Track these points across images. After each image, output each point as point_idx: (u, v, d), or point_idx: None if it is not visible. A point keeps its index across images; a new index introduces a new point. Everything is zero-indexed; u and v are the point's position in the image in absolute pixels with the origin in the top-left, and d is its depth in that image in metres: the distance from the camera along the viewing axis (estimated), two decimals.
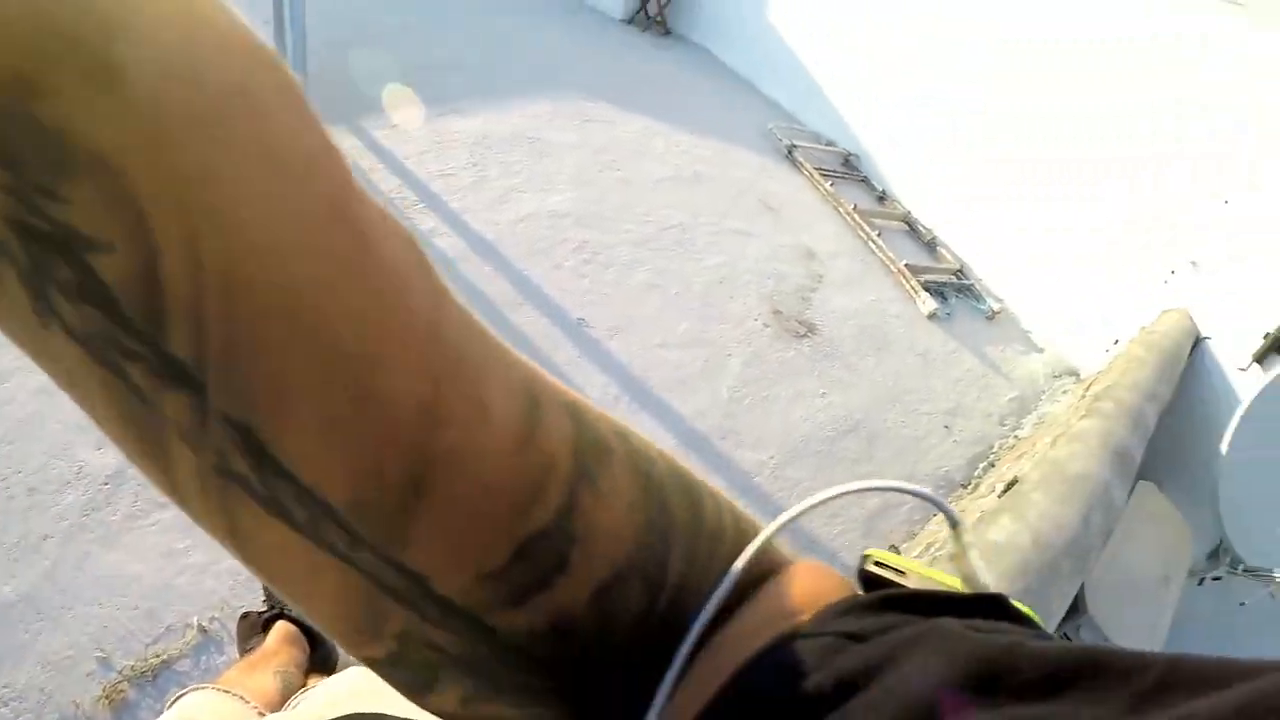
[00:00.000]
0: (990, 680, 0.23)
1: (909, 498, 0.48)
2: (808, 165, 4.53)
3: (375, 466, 0.23)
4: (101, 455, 2.33)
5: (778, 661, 0.28)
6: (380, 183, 3.67)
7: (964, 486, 2.82)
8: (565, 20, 6.97)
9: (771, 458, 2.28)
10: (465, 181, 3.70)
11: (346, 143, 4.10)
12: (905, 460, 2.76)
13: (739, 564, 0.31)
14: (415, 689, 0.30)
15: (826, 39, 4.93)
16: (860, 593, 0.34)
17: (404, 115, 3.99)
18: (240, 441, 0.22)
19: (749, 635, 0.30)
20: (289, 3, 4.21)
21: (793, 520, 0.32)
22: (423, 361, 0.24)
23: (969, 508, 2.28)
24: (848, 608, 0.30)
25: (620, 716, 0.30)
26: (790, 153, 4.74)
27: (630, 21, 6.94)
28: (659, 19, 6.67)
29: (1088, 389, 2.97)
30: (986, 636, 0.25)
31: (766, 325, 2.82)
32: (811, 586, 0.33)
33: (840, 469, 2.36)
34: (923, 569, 0.34)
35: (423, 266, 0.25)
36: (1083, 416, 2.41)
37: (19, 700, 1.81)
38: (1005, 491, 2.11)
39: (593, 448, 0.28)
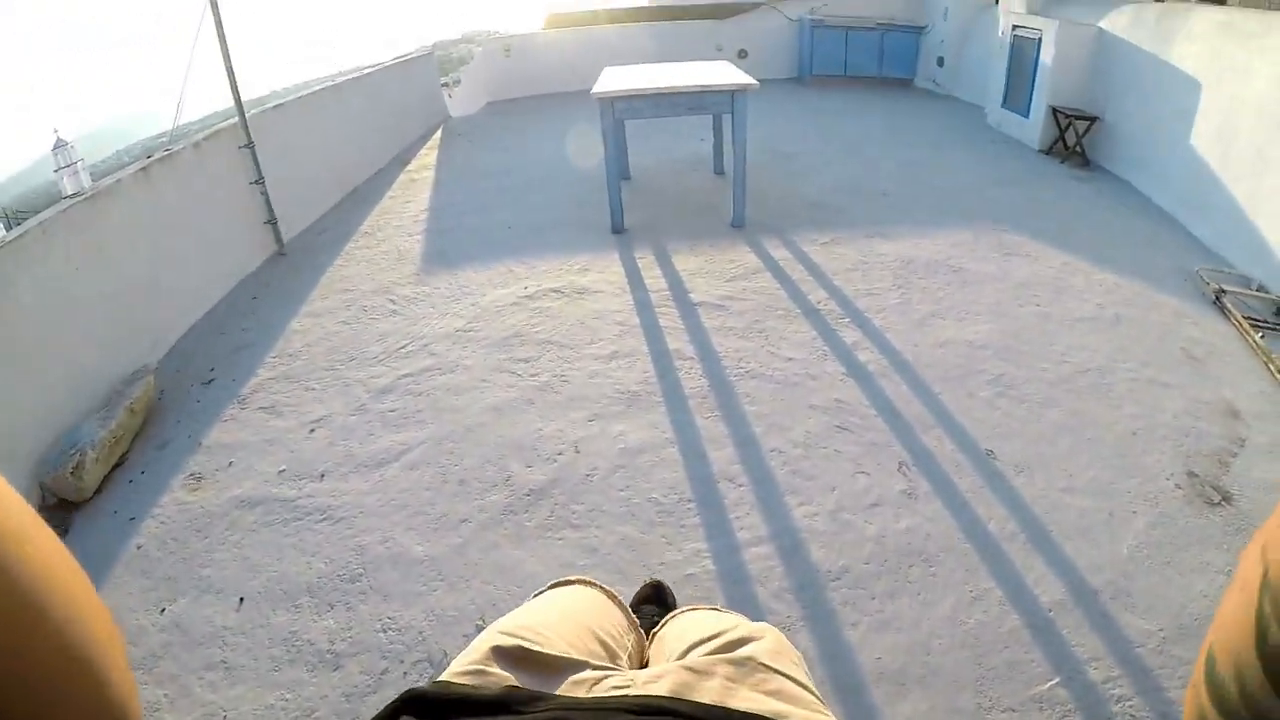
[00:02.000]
0: None
1: None
2: (1236, 313, 4.16)
3: None
4: (530, 472, 2.84)
5: None
6: (809, 293, 4.14)
7: None
8: (982, 149, 7.20)
9: (1160, 630, 2.13)
10: (889, 302, 4.01)
11: (779, 254, 4.70)
12: None
13: None
14: None
15: (1260, 173, 4.49)
16: None
17: None
18: None
19: None
20: (733, 132, 5.05)
21: None
22: None
23: None
24: None
25: None
26: (1218, 298, 4.42)
27: (1048, 152, 6.92)
28: (1078, 149, 6.53)
29: None
30: None
31: (1179, 487, 2.66)
32: None
33: None
34: None
35: None
36: None
37: (398, 632, 2.23)
38: None
39: None
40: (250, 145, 5.00)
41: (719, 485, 2.73)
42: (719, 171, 6.60)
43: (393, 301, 4.34)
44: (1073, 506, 2.61)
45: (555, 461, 2.90)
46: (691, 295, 4.18)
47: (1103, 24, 6.53)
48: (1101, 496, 2.64)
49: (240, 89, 4.87)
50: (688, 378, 3.38)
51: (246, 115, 4.98)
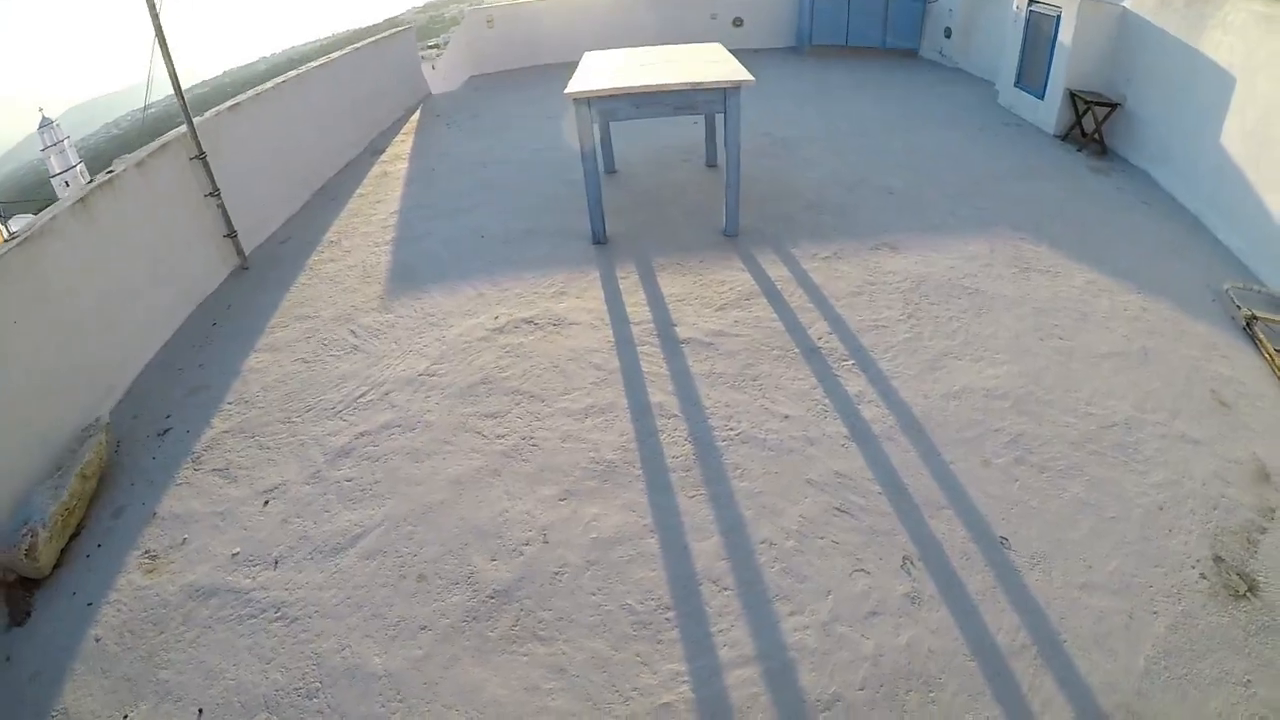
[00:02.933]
0: None
1: None
2: (1268, 345, 3.75)
3: None
4: (494, 567, 2.55)
5: None
6: (809, 326, 3.78)
7: None
8: (994, 133, 6.76)
9: None
10: (898, 337, 3.66)
11: (776, 272, 4.33)
12: None
13: None
14: None
15: None
16: None
17: None
18: None
19: None
20: (725, 133, 4.65)
21: None
22: None
23: None
24: None
25: None
26: (1249, 325, 4.00)
27: (1064, 137, 6.49)
28: (1096, 136, 6.10)
29: None
30: None
31: (1203, 576, 2.38)
32: None
33: None
34: None
35: None
36: None
37: None
38: None
39: None
40: (202, 156, 4.61)
41: (701, 588, 2.43)
42: (711, 163, 6.19)
43: (354, 334, 4.01)
44: (1090, 607, 2.32)
45: (521, 554, 2.60)
46: (677, 329, 3.83)
47: (1127, 3, 6.05)
48: (1122, 594, 2.36)
49: (185, 93, 4.48)
50: (670, 442, 3.06)
51: (196, 122, 4.59)
